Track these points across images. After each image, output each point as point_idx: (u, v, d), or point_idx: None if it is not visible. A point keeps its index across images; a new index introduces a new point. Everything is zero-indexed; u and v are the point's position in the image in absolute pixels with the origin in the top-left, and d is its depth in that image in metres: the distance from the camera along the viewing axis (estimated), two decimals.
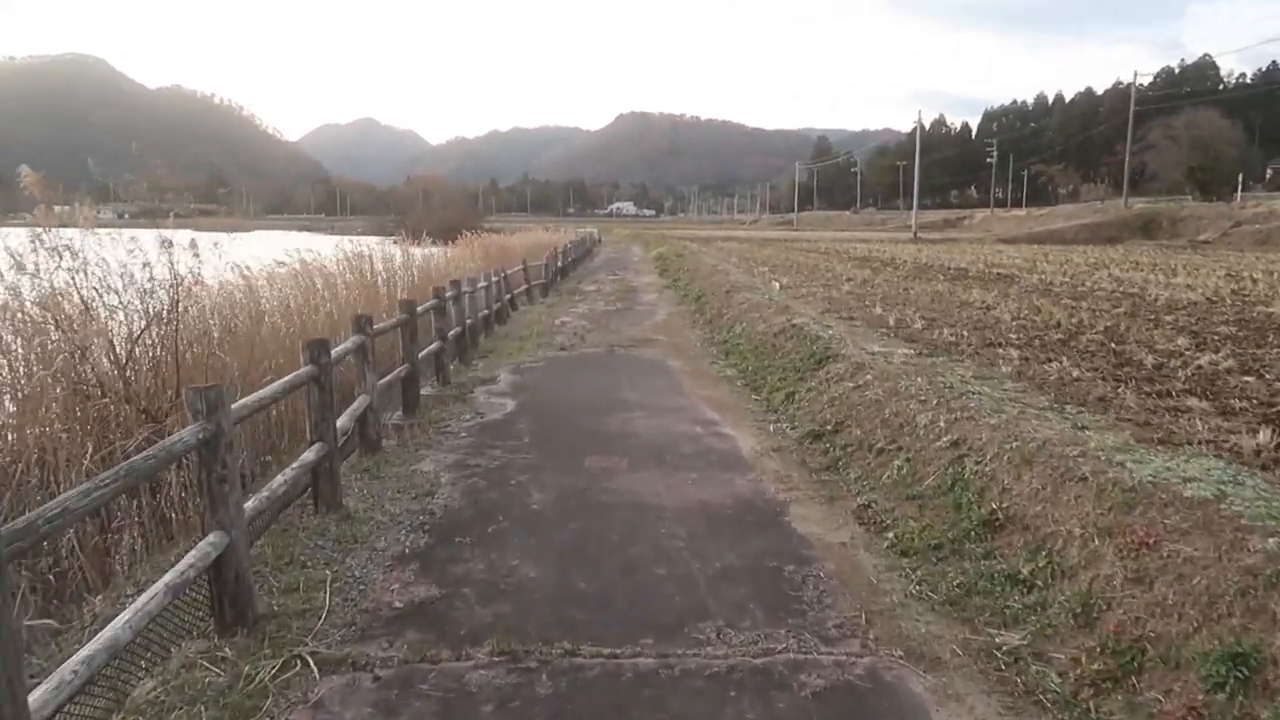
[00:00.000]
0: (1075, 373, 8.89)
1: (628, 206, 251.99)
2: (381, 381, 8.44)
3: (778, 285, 19.96)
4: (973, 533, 5.22)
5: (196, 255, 10.01)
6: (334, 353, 6.43)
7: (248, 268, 13.67)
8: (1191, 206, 72.24)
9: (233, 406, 4.42)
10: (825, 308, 15.63)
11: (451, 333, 12.31)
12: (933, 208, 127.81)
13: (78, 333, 8.67)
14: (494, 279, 17.55)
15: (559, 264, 31.69)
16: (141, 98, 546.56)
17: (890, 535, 5.52)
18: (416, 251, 25.90)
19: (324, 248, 18.16)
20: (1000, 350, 10.55)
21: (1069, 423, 6.28)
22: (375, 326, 8.25)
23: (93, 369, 8.84)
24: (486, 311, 16.50)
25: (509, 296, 21.20)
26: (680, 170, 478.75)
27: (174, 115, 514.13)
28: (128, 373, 9.07)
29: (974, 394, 7.22)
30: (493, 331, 16.64)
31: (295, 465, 5.38)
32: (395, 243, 36.20)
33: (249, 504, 4.55)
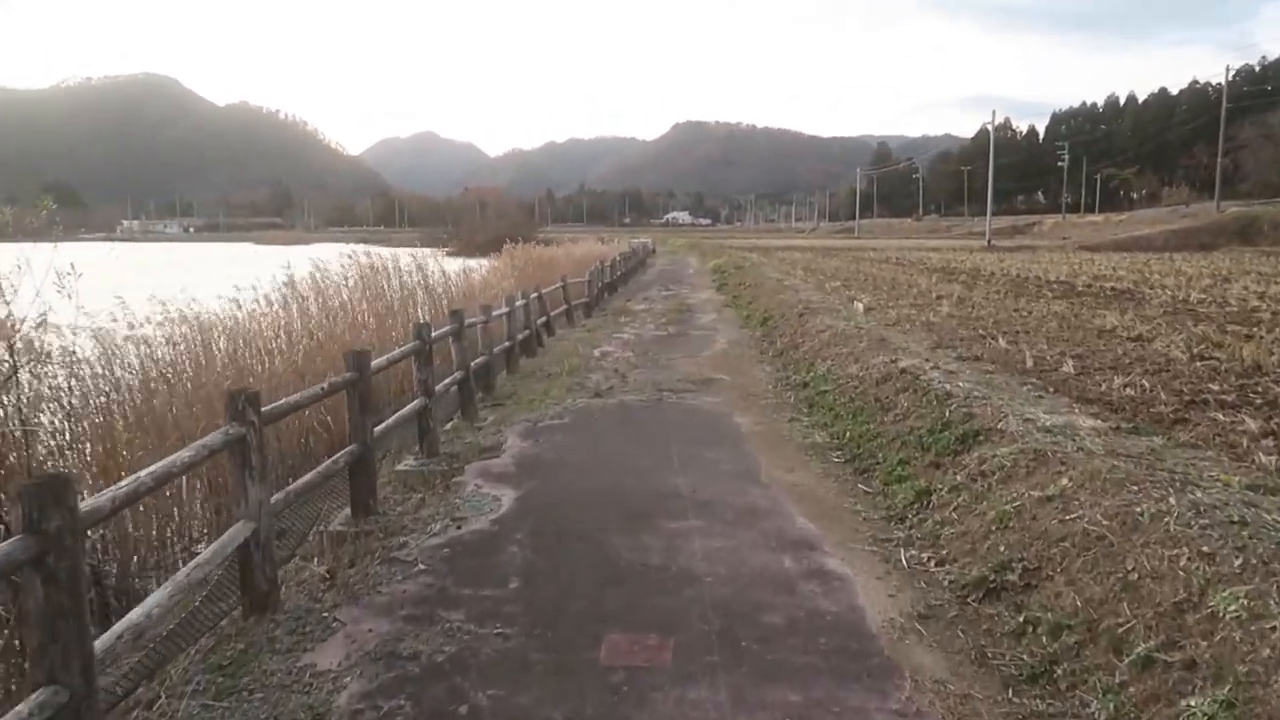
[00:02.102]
0: None
1: (683, 216, 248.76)
2: (295, 486, 5.51)
3: (860, 306, 16.71)
4: None
5: None
6: (142, 478, 3.50)
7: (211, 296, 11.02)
8: None
9: None
10: (933, 340, 12.37)
11: (445, 383, 9.37)
12: (998, 214, 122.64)
13: None
14: (519, 302, 14.63)
15: (607, 278, 28.74)
16: (210, 115, 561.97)
17: None
18: (452, 266, 23.26)
19: (366, 260, 16.08)
20: (1218, 415, 7.25)
21: None
22: (282, 401, 5.33)
23: None
24: (509, 343, 13.57)
25: (543, 320, 18.31)
26: (736, 179, 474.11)
27: (241, 131, 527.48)
28: None
29: None
30: (517, 367, 13.70)
31: None
32: (447, 255, 33.80)
33: None
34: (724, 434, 8.86)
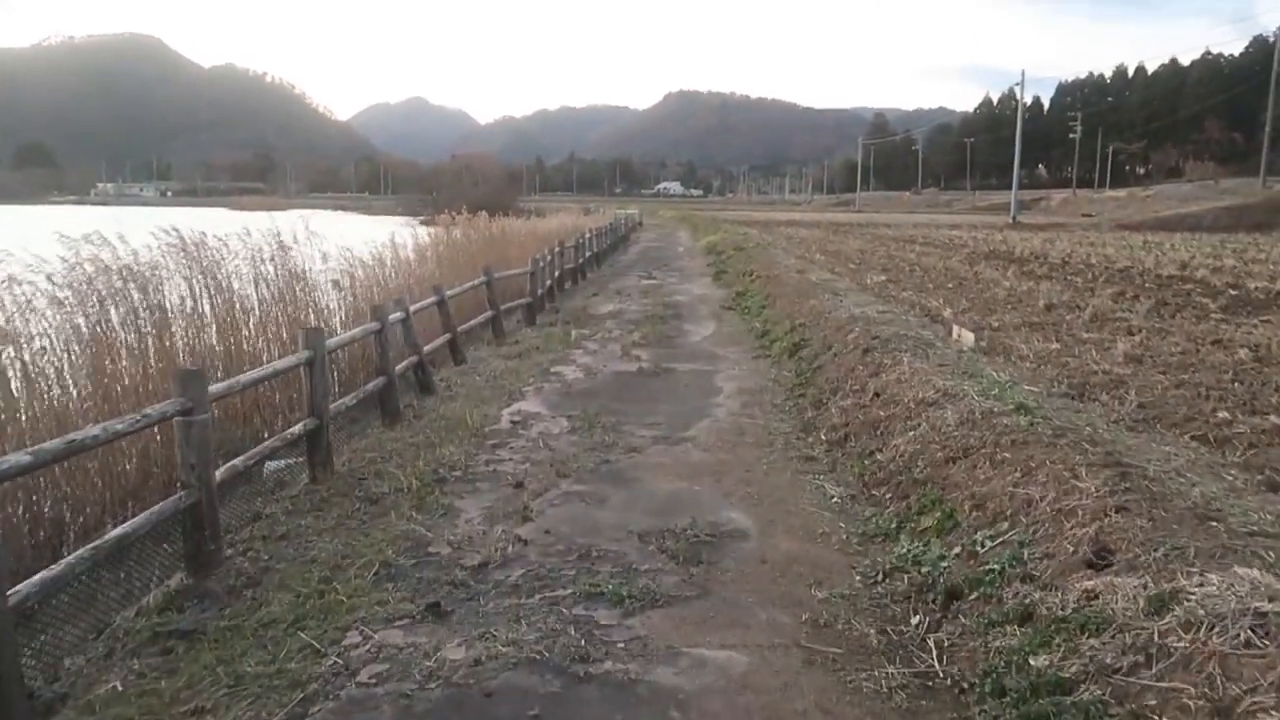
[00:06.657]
0: None
1: (675, 186, 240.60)
2: None
3: (966, 335, 9.94)
4: None
5: None
6: None
7: None
8: None
9: None
10: (1198, 445, 5.65)
11: None
12: (999, 188, 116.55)
13: None
14: (335, 340, 7.90)
15: (570, 263, 21.92)
16: (196, 77, 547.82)
17: None
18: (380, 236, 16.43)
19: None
20: None
21: None
22: None
23: None
24: (313, 423, 6.80)
25: (449, 337, 11.60)
26: (729, 150, 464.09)
27: (228, 94, 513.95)
28: None
29: None
30: (329, 472, 6.93)
31: None
32: (421, 224, 27.33)
33: None
34: None
